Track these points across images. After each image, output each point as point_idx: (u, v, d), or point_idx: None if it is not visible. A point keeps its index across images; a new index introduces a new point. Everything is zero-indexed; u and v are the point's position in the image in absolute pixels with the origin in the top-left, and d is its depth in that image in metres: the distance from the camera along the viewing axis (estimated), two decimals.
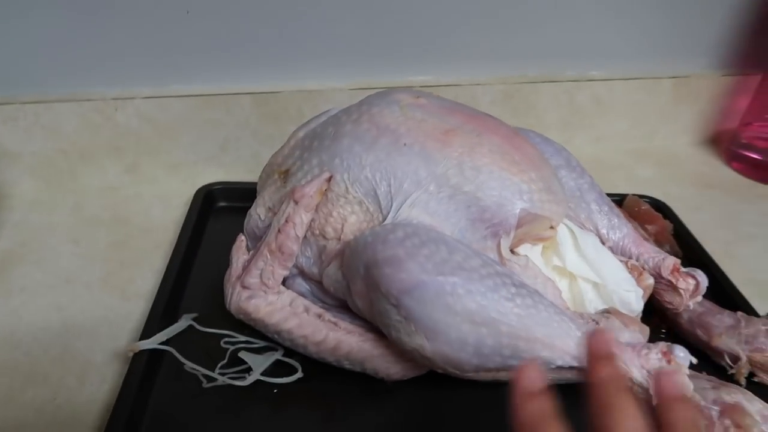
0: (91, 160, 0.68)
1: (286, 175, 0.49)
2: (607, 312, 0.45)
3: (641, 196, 0.68)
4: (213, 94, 0.68)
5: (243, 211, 0.68)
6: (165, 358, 0.48)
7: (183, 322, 0.50)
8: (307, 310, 0.47)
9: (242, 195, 0.67)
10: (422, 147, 0.45)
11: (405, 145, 0.45)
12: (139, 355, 0.46)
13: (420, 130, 0.45)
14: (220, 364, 0.47)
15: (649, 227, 0.61)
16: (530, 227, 0.44)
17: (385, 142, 0.45)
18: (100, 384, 0.47)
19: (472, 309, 0.38)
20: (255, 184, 0.68)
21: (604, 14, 0.75)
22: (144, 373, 0.45)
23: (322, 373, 0.47)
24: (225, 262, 0.58)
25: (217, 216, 0.66)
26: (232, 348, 0.49)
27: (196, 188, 0.67)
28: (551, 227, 0.46)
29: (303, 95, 0.70)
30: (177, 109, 0.67)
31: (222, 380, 0.45)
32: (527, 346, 0.39)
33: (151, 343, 0.46)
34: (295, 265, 0.48)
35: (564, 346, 0.39)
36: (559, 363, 0.39)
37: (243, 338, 0.50)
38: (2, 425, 0.43)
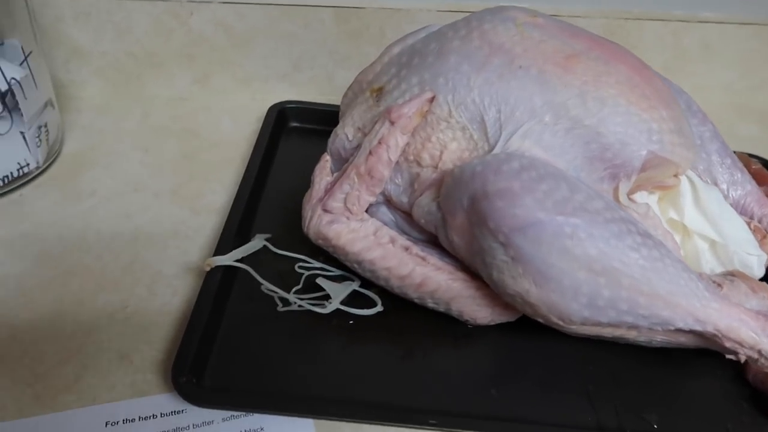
0: (161, 67, 0.65)
1: (379, 93, 0.45)
2: (731, 275, 0.40)
3: (750, 155, 0.61)
4: (293, 5, 0.63)
5: (315, 133, 0.65)
6: (238, 278, 0.46)
7: (257, 242, 0.47)
8: (392, 241, 0.43)
9: (316, 116, 0.64)
10: (540, 71, 0.40)
11: (520, 67, 0.40)
12: (213, 272, 0.43)
13: (538, 52, 0.40)
14: (294, 289, 0.45)
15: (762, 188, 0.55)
16: (655, 172, 0.39)
17: (498, 62, 0.40)
18: (171, 296, 0.45)
19: (592, 255, 0.34)
20: (330, 106, 0.65)
21: None
22: (218, 290, 0.43)
23: (402, 309, 0.44)
24: (297, 184, 0.54)
25: (288, 136, 0.63)
26: (307, 273, 0.46)
27: (266, 105, 0.63)
28: (675, 175, 0.41)
29: (387, 14, 0.65)
30: (254, 17, 0.63)
31: (300, 305, 0.43)
32: (647, 302, 0.35)
33: (228, 259, 0.44)
34: (382, 193, 0.45)
35: (689, 307, 0.35)
36: (680, 325, 0.35)
37: (318, 264, 0.47)
38: (74, 327, 0.42)
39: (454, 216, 0.39)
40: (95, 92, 0.65)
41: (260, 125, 0.62)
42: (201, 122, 0.63)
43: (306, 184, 0.49)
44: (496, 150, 0.39)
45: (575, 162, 0.39)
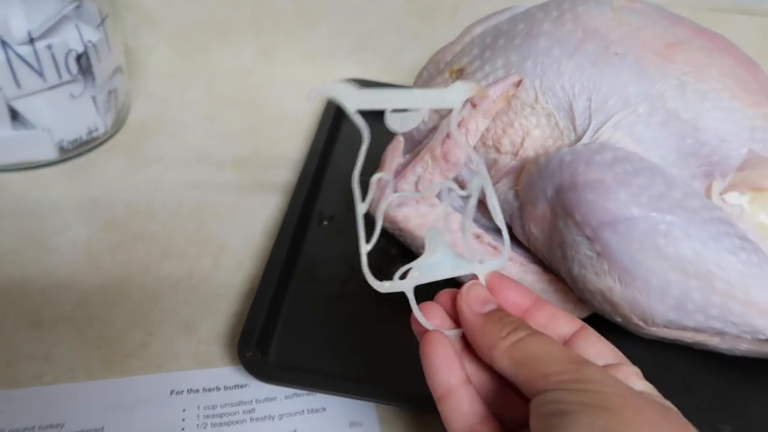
0: (228, 37, 0.64)
1: (460, 74, 0.43)
2: None
3: None
4: None
5: (379, 113, 0.64)
6: (301, 256, 0.45)
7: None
8: (463, 228, 0.42)
9: None
10: (637, 59, 0.37)
11: (616, 54, 0.38)
12: (277, 250, 0.43)
13: (636, 39, 0.38)
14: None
15: None
16: (753, 173, 0.37)
17: (592, 48, 0.38)
18: (234, 270, 0.44)
19: (686, 256, 0.32)
20: (395, 86, 0.63)
21: None
22: (283, 268, 0.42)
23: None
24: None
25: None
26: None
27: (331, 81, 0.62)
28: None
29: None
30: None
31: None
32: (741, 309, 0.33)
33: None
34: (455, 177, 0.43)
35: None
36: None
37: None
38: (140, 294, 0.42)
39: (535, 206, 0.37)
40: (162, 60, 0.65)
41: (324, 102, 0.61)
42: (265, 95, 0.63)
43: (369, 165, 0.48)
44: (584, 140, 0.37)
45: (668, 157, 0.37)
